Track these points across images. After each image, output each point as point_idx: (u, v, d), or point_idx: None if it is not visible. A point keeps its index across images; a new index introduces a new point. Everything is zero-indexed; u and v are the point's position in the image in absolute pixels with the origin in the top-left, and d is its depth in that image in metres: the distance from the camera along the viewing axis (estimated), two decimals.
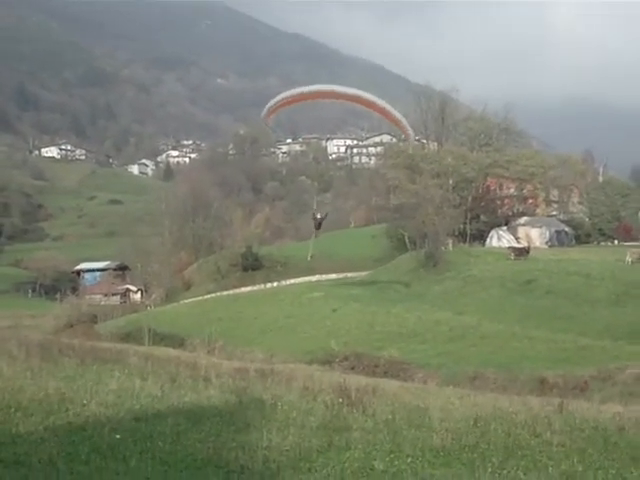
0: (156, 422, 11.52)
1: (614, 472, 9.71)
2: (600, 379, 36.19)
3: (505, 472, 9.40)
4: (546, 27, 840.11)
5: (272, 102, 30.49)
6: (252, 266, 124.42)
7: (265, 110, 31.11)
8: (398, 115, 31.58)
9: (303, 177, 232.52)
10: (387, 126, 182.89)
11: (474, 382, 35.92)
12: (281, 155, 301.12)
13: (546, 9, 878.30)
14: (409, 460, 9.80)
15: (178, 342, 60.05)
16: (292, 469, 9.38)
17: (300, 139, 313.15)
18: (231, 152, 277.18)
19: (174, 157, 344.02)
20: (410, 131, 35.31)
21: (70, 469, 8.85)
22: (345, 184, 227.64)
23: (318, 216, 50.89)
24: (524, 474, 9.37)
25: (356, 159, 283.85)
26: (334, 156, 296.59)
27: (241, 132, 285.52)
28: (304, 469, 9.39)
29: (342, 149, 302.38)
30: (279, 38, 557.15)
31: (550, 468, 9.68)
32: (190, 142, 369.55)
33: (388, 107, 30.67)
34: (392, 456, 9.98)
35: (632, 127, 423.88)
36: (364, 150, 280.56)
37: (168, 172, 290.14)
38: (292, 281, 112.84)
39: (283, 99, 30.56)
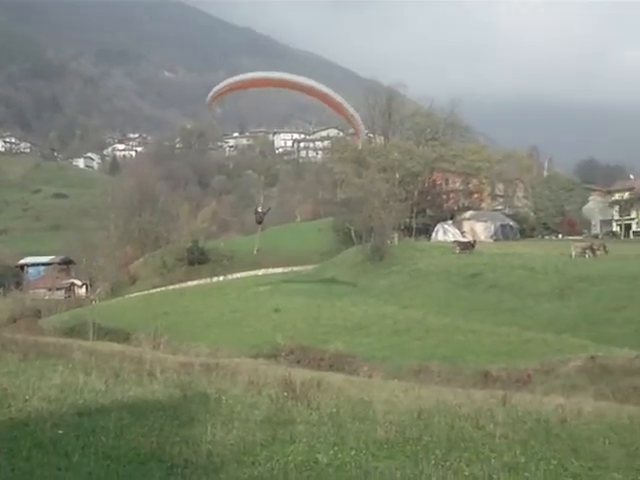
0: (99, 417, 11.44)
1: (556, 463, 9.81)
2: (543, 372, 36.53)
3: (448, 464, 9.46)
4: (493, 25, 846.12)
5: (218, 87, 29.39)
6: (198, 260, 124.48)
7: (210, 95, 29.94)
8: (351, 110, 30.67)
9: (250, 171, 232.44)
10: (335, 120, 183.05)
11: (419, 375, 36.06)
12: (228, 149, 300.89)
13: (494, 7, 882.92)
14: (353, 453, 9.84)
15: (123, 337, 59.65)
16: (236, 463, 9.36)
17: (247, 133, 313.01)
18: (178, 146, 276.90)
19: (120, 151, 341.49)
20: (362, 127, 33.67)
21: (11, 465, 8.76)
22: (292, 178, 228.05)
23: (259, 210, 50.11)
24: (467, 466, 9.43)
25: (303, 153, 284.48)
26: (281, 150, 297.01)
27: (188, 126, 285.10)
28: (248, 463, 9.37)
29: (289, 143, 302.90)
30: (228, 32, 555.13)
31: (493, 460, 9.76)
32: (137, 135, 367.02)
33: (341, 100, 29.79)
34: (336, 449, 10.01)
35: (577, 123, 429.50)
36: (311, 144, 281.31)
37: (114, 166, 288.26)
38: (238, 275, 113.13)
39: (230, 85, 29.53)
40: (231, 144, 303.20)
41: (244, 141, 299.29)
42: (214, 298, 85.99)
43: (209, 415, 12.10)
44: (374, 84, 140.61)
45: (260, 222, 52.00)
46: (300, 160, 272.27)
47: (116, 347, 37.64)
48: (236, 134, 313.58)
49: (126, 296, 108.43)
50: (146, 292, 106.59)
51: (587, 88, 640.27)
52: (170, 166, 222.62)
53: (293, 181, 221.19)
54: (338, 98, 29.60)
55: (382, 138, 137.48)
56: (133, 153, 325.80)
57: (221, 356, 39.96)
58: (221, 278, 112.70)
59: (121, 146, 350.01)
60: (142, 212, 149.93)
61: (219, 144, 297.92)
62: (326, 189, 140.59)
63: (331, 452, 9.86)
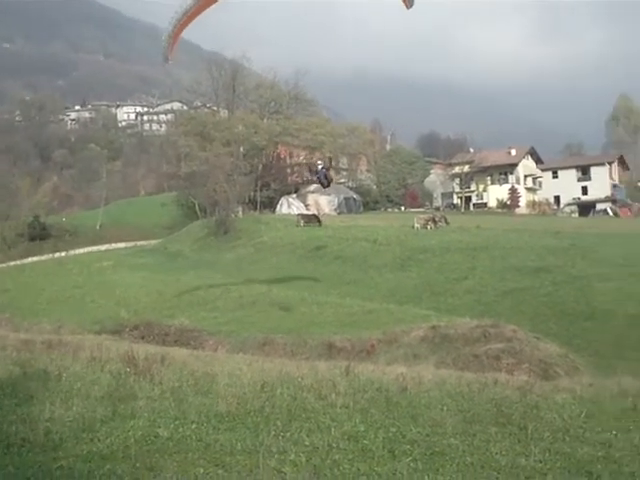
0: None
1: (395, 430, 9.93)
2: (386, 342, 36.93)
3: (288, 434, 9.48)
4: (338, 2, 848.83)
5: (171, 29, 25.19)
6: (39, 236, 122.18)
7: (165, 47, 25.93)
8: None
9: (92, 145, 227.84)
10: (178, 93, 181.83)
11: (264, 348, 36.10)
12: (70, 122, 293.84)
13: None
14: (194, 426, 9.77)
15: None
16: (75, 440, 9.18)
17: (89, 106, 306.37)
18: (17, 119, 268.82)
19: None
20: None
21: None
22: (135, 152, 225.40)
23: (319, 167, 34.79)
24: (307, 436, 9.47)
25: (147, 126, 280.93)
26: (124, 123, 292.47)
27: (27, 98, 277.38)
28: (87, 439, 9.20)
29: (132, 116, 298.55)
30: (66, 1, 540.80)
31: (333, 429, 9.82)
32: None
33: None
34: (177, 423, 9.93)
35: (419, 98, 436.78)
36: (155, 117, 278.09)
37: None
38: (81, 251, 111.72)
39: (185, 15, 24.68)
40: (73, 117, 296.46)
41: (86, 114, 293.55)
42: (56, 274, 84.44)
43: (48, 392, 11.83)
44: (218, 57, 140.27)
45: (327, 184, 36.30)
46: (144, 134, 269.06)
47: None
48: (78, 107, 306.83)
49: None
50: None
51: (430, 64, 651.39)
52: (9, 140, 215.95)
53: (137, 155, 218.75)
54: None
55: (226, 111, 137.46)
56: None
57: (64, 333, 39.25)
58: (63, 254, 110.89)
59: None
60: None
61: (60, 117, 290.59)
62: (170, 163, 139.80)
63: (172, 426, 9.78)
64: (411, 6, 24.33)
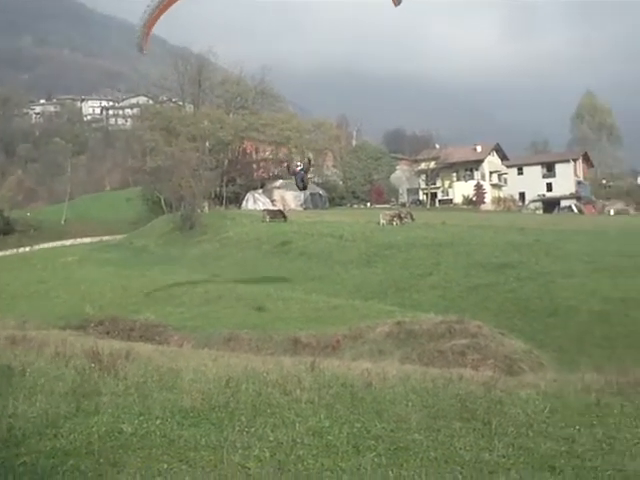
0: None
1: (359, 426, 9.94)
2: (351, 338, 36.95)
3: (253, 430, 9.49)
4: None
5: (143, 22, 24.71)
6: (3, 231, 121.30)
7: (140, 37, 25.16)
8: None
9: (57, 139, 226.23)
10: (144, 88, 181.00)
11: (229, 343, 35.98)
12: (34, 116, 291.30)
13: None
14: (158, 422, 9.74)
15: None
16: (38, 436, 9.14)
17: (54, 99, 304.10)
18: None
19: None
20: None
21: None
22: (101, 146, 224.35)
23: (298, 168, 32.85)
24: (272, 431, 9.47)
25: (112, 121, 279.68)
26: (89, 117, 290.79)
27: None
28: (50, 435, 9.17)
29: (98, 110, 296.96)
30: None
31: (297, 424, 9.83)
32: None
33: None
34: (141, 418, 9.89)
35: (385, 94, 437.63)
36: (120, 112, 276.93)
37: None
38: (46, 245, 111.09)
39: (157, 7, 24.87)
40: (37, 111, 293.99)
41: (51, 108, 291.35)
42: (20, 269, 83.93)
43: (12, 388, 11.76)
44: (185, 51, 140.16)
45: (304, 187, 34.38)
46: (109, 128, 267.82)
47: None
48: (43, 100, 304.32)
49: None
50: None
51: (398, 61, 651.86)
52: None
53: (102, 149, 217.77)
54: None
55: (192, 106, 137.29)
56: None
57: (29, 328, 38.96)
58: (27, 249, 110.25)
59: None
60: None
61: (25, 111, 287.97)
62: (136, 157, 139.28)
63: (136, 422, 9.75)
64: (399, 3, 24.56)
